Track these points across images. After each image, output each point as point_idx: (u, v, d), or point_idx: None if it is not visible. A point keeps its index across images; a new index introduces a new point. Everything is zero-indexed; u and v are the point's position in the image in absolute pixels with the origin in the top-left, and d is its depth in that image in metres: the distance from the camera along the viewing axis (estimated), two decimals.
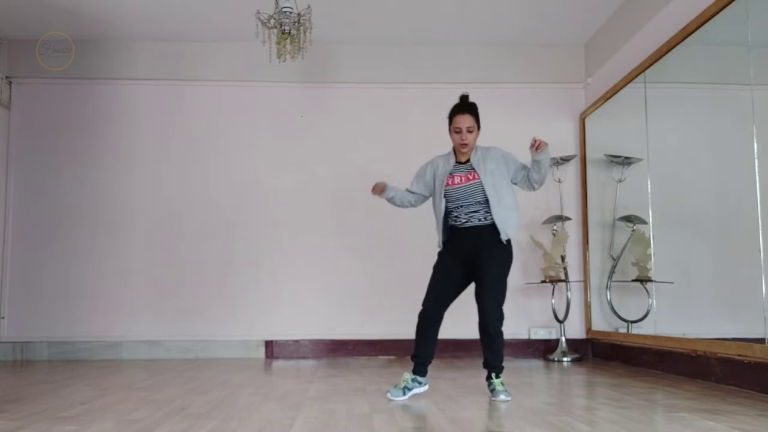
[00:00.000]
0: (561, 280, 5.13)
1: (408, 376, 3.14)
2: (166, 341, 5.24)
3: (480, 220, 3.16)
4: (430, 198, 3.38)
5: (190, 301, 5.28)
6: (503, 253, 3.17)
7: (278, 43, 4.25)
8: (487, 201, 3.14)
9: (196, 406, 2.85)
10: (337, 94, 5.54)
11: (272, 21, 4.26)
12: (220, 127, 5.48)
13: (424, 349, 3.18)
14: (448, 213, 3.22)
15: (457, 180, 3.20)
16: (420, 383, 3.15)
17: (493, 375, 3.10)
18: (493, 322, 3.05)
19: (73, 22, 5.14)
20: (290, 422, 2.47)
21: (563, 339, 5.11)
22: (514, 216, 3.17)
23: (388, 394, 3.07)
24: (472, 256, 3.15)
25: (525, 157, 3.24)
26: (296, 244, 5.37)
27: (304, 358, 5.24)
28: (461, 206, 3.18)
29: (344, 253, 5.36)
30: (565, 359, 4.99)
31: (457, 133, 3.20)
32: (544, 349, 5.25)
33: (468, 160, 3.23)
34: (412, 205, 3.45)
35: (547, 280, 5.09)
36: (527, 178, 3.20)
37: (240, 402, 2.98)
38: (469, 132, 3.17)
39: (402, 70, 5.54)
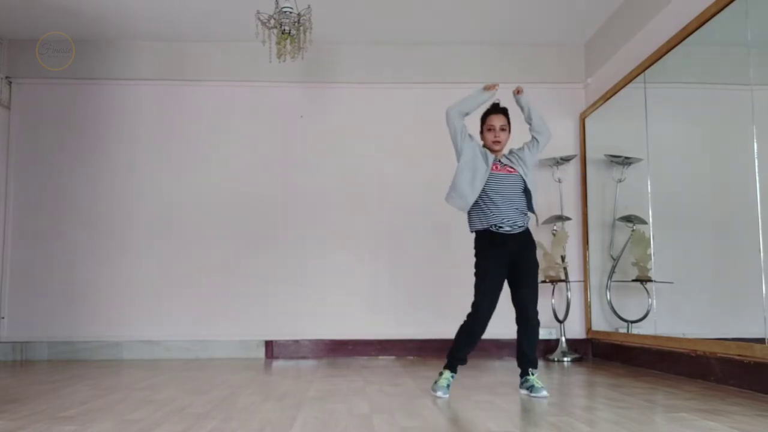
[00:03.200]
0: (561, 280, 5.13)
1: (449, 374, 3.23)
2: (166, 341, 5.24)
3: (519, 226, 3.24)
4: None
5: (190, 301, 5.28)
6: (535, 251, 3.33)
7: (278, 43, 4.25)
8: (524, 194, 3.25)
9: (196, 406, 2.85)
10: (337, 94, 5.54)
11: (272, 21, 4.26)
12: (220, 127, 5.48)
13: (468, 352, 3.27)
14: (485, 211, 3.22)
15: (500, 167, 3.27)
16: (453, 379, 3.28)
17: (530, 371, 3.20)
18: (536, 316, 3.21)
19: (73, 22, 5.14)
20: (290, 422, 2.47)
21: (563, 339, 5.11)
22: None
23: (439, 392, 3.13)
24: (512, 259, 3.22)
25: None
26: (296, 244, 5.37)
27: (304, 358, 5.24)
28: (499, 203, 3.19)
29: (344, 253, 5.36)
30: (565, 359, 4.99)
31: (490, 130, 3.30)
32: (544, 349, 5.24)
33: (500, 159, 3.32)
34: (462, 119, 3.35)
35: (547, 280, 5.09)
36: (532, 137, 3.35)
37: (240, 402, 2.98)
38: (502, 130, 3.29)
39: (402, 70, 5.54)
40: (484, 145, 3.35)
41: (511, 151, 3.38)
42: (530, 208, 3.29)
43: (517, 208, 3.23)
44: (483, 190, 3.22)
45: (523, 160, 3.30)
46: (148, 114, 5.48)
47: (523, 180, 3.25)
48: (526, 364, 3.24)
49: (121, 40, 5.48)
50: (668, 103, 4.40)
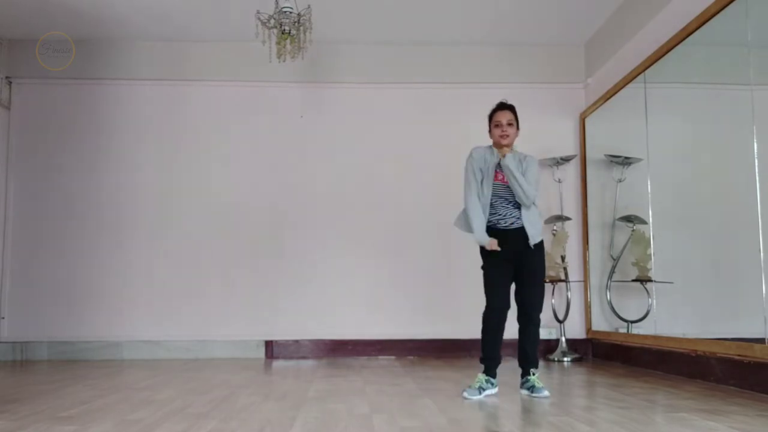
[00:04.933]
0: (561, 280, 5.13)
1: (482, 377, 3.22)
2: (166, 341, 5.24)
3: (516, 221, 3.27)
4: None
5: (190, 301, 5.28)
6: (541, 254, 3.32)
7: (278, 43, 4.25)
8: (519, 207, 3.27)
9: (196, 406, 2.85)
10: (337, 94, 5.54)
11: (272, 21, 4.26)
12: (220, 127, 5.48)
13: (495, 351, 3.26)
14: (489, 208, 3.29)
15: (500, 177, 3.29)
16: (492, 384, 3.23)
17: (531, 372, 3.21)
18: (538, 317, 3.25)
19: (74, 21, 5.14)
20: (290, 422, 2.47)
21: (563, 339, 5.11)
22: (539, 223, 3.31)
23: (465, 394, 3.12)
24: (514, 255, 3.26)
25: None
26: (296, 244, 5.37)
27: (304, 358, 5.24)
28: (501, 205, 3.28)
29: (344, 253, 5.36)
30: (565, 359, 4.99)
31: (497, 126, 3.31)
32: (544, 349, 5.24)
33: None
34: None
35: (547, 280, 5.09)
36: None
37: (240, 402, 2.98)
38: (509, 125, 3.29)
39: (402, 70, 5.53)
40: (493, 144, 3.36)
41: (526, 157, 3.32)
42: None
43: (513, 215, 3.27)
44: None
45: (525, 169, 3.29)
46: (147, 114, 5.48)
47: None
48: (527, 363, 3.25)
49: (121, 40, 5.48)
50: (668, 103, 4.40)
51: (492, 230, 3.28)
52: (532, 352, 3.25)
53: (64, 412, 2.71)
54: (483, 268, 3.33)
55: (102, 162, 5.40)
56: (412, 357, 5.21)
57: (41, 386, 3.55)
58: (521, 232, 3.25)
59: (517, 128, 3.34)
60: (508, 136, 3.28)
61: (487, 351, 3.25)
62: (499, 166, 3.29)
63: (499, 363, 3.27)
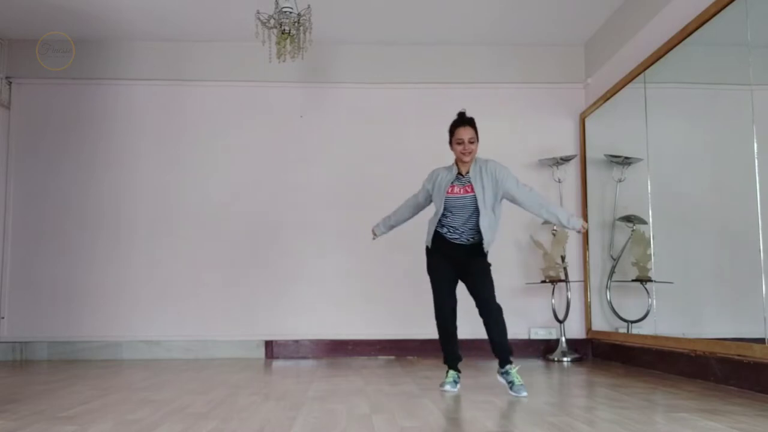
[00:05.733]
0: (561, 280, 5.13)
1: (452, 373, 3.43)
2: (166, 341, 5.24)
3: (468, 239, 3.40)
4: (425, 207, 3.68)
5: (190, 301, 5.28)
6: (484, 257, 3.46)
7: (278, 43, 4.25)
8: (477, 215, 3.35)
9: (196, 406, 2.85)
10: (337, 94, 5.54)
11: (272, 21, 4.26)
12: (220, 127, 5.48)
13: (454, 348, 3.47)
14: (441, 221, 3.44)
15: (456, 190, 3.41)
16: (460, 376, 3.47)
17: (508, 365, 3.27)
18: (495, 303, 3.31)
19: (74, 22, 5.15)
20: (290, 422, 2.47)
21: (563, 339, 5.11)
22: (494, 233, 3.41)
23: (447, 386, 3.34)
24: (457, 261, 3.42)
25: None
26: (296, 244, 5.37)
27: (304, 358, 5.24)
28: (455, 219, 3.40)
29: (344, 253, 5.36)
30: (565, 359, 4.99)
31: (459, 144, 3.40)
32: (544, 349, 5.25)
33: (467, 173, 3.43)
34: (411, 216, 3.76)
35: (547, 280, 5.09)
36: (538, 211, 3.41)
37: (240, 402, 2.98)
38: (471, 143, 3.39)
39: (402, 70, 5.53)
40: (455, 160, 3.47)
41: (487, 164, 3.40)
42: (479, 226, 3.36)
43: (470, 228, 3.39)
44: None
45: (495, 180, 3.35)
46: (147, 114, 5.48)
47: (476, 201, 3.34)
48: (502, 353, 3.29)
49: (121, 40, 5.48)
50: (668, 103, 4.40)
51: (443, 240, 3.43)
52: (502, 341, 3.29)
53: (64, 412, 2.71)
54: (427, 270, 3.50)
55: (102, 162, 5.40)
56: (412, 357, 5.21)
57: (41, 386, 3.54)
58: (466, 247, 3.40)
59: (478, 140, 3.42)
60: (470, 152, 3.39)
61: (446, 350, 3.48)
62: (452, 180, 3.40)
63: (460, 359, 3.47)
